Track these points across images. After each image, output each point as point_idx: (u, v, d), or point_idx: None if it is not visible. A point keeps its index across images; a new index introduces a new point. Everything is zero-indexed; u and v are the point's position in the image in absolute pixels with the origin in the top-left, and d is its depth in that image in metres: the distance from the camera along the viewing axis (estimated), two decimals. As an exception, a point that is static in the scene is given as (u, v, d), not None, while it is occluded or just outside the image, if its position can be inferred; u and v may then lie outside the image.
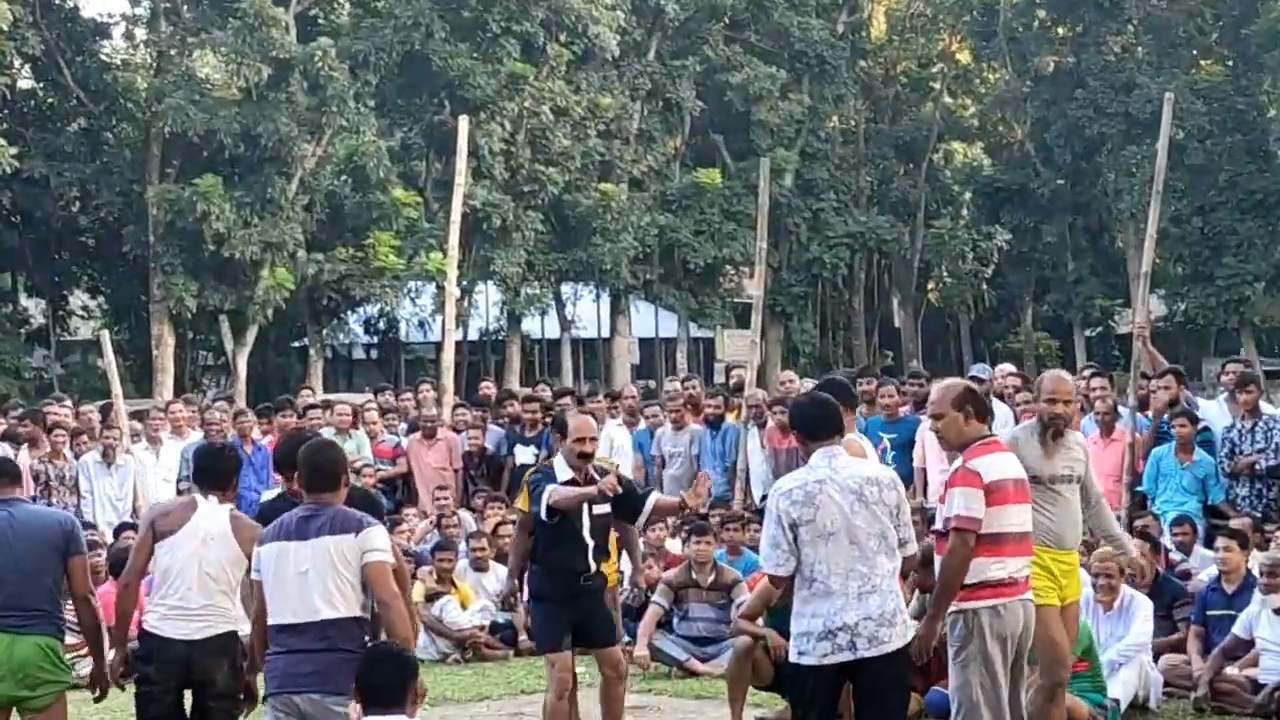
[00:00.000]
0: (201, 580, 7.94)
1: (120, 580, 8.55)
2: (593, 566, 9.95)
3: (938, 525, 7.87)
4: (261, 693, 7.70)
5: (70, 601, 8.41)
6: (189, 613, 7.94)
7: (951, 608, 7.79)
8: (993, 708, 7.57)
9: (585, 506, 9.84)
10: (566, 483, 9.86)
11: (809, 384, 17.74)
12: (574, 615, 9.72)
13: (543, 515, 9.73)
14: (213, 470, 8.39)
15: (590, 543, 9.91)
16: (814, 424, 7.77)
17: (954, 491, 7.67)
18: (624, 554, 11.42)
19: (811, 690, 7.56)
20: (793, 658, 7.62)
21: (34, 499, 15.79)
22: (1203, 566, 12.49)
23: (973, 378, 15.33)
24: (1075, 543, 8.90)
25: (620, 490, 9.94)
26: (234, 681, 8.00)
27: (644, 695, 11.88)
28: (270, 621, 7.48)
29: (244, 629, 8.07)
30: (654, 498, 10.97)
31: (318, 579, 7.37)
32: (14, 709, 8.20)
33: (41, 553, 8.12)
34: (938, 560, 7.89)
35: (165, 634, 7.90)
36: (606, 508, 9.96)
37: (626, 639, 11.88)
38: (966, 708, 7.63)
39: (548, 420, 16.72)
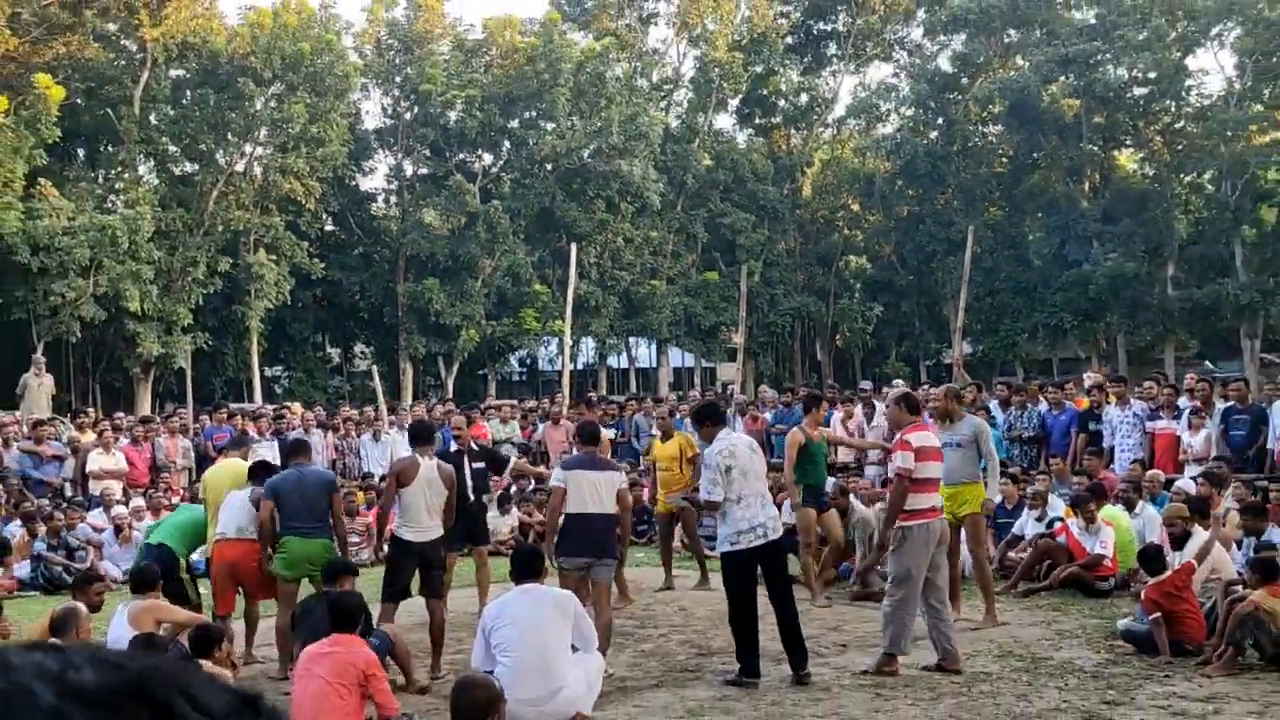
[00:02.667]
0: (428, 509, 8.02)
1: (379, 508, 8.88)
2: (471, 497, 9.65)
3: (889, 475, 7.73)
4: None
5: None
6: (422, 527, 8.01)
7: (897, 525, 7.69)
8: (916, 586, 7.52)
9: (467, 463, 9.63)
10: (454, 452, 9.72)
11: (773, 393, 17.67)
12: (464, 524, 9.17)
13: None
14: (424, 435, 8.46)
15: (470, 483, 9.66)
16: (717, 417, 7.81)
17: (897, 454, 7.56)
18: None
19: (741, 566, 7.44)
20: (725, 549, 7.46)
21: (334, 461, 16.05)
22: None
23: (865, 388, 15.17)
24: (955, 481, 8.68)
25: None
26: (444, 558, 8.17)
27: (677, 568, 11.79)
28: (571, 510, 7.69)
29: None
30: (513, 461, 11.27)
31: (606, 490, 7.73)
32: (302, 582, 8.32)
33: (319, 493, 8.25)
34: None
35: (408, 539, 7.98)
36: (481, 464, 9.81)
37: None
38: (901, 578, 7.55)
39: (622, 414, 16.77)
